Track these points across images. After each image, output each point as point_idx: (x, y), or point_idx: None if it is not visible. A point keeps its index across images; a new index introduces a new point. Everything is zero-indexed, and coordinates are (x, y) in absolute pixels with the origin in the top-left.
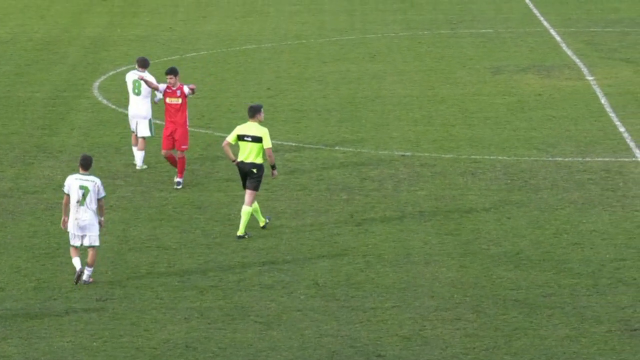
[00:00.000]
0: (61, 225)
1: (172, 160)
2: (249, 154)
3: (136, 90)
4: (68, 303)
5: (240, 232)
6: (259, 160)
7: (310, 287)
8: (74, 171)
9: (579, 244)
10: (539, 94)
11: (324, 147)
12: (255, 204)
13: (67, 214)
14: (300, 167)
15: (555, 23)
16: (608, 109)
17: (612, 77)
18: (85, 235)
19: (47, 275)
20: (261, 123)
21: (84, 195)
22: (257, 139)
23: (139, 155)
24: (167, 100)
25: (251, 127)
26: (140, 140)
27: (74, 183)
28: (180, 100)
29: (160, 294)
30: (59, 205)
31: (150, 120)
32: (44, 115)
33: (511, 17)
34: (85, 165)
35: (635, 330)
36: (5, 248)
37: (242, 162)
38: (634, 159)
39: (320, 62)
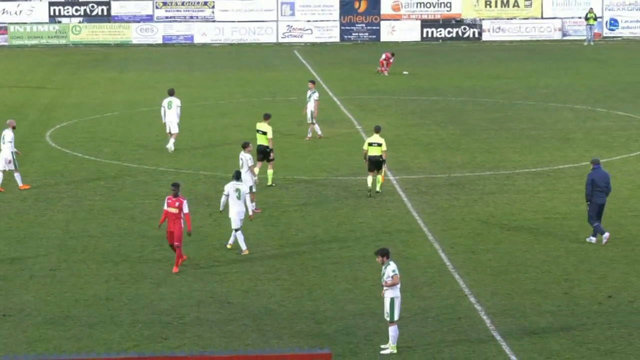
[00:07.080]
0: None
1: None
2: (262, 141)
3: (169, 107)
4: (31, 272)
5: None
6: (267, 144)
7: (185, 260)
8: (39, 189)
9: (353, 231)
10: (327, 138)
11: (193, 172)
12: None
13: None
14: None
15: (337, 92)
16: None
17: (372, 126)
18: (239, 219)
19: (18, 254)
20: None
21: (238, 195)
22: (264, 132)
23: (170, 142)
24: None
25: (263, 125)
26: (174, 134)
27: (231, 187)
28: None
29: (90, 265)
30: (27, 210)
31: (177, 123)
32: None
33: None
34: (236, 177)
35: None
36: None
37: (260, 145)
38: (391, 178)
39: (190, 117)
